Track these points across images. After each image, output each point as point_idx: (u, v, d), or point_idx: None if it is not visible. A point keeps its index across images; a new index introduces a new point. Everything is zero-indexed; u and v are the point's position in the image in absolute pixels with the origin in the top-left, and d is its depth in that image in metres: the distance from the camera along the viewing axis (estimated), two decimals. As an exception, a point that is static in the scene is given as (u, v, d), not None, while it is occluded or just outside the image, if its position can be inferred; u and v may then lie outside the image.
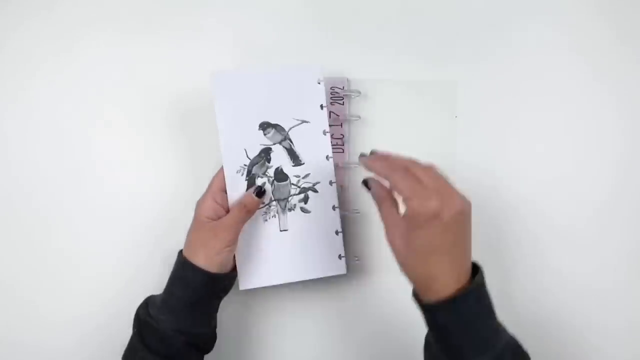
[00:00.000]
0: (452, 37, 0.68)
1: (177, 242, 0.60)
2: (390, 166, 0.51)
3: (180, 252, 0.59)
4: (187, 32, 0.68)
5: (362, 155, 0.55)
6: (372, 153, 0.55)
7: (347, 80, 0.66)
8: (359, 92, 0.66)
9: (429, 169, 0.50)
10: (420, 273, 0.49)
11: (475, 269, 0.50)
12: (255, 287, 0.63)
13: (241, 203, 0.60)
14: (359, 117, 0.66)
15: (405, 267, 0.50)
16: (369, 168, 0.53)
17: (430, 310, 0.48)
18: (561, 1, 0.68)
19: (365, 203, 0.66)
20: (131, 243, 0.68)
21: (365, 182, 0.55)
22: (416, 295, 0.50)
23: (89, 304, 0.68)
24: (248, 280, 0.63)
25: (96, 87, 0.69)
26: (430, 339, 0.51)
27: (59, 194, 0.68)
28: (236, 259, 0.62)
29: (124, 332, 0.58)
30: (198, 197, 0.61)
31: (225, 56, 0.68)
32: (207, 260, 0.57)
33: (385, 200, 0.52)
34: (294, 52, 0.68)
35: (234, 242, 0.58)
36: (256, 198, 0.60)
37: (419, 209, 0.47)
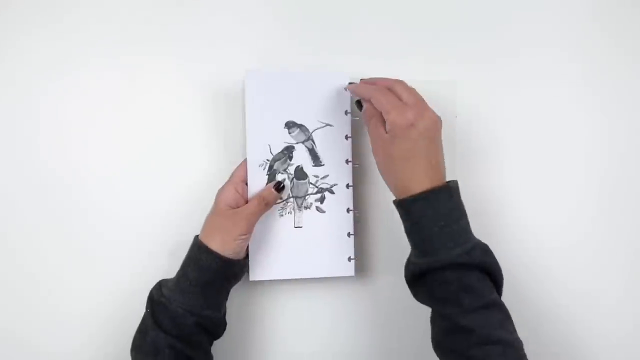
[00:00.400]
0: (452, 37, 0.70)
1: (186, 234, 0.62)
2: (373, 88, 0.59)
3: (196, 236, 0.61)
4: (196, 32, 0.67)
5: (350, 84, 0.63)
6: (361, 80, 0.63)
7: (349, 79, 0.66)
8: None
9: (409, 88, 0.58)
10: (399, 176, 0.56)
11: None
12: (265, 279, 0.65)
13: (261, 195, 0.62)
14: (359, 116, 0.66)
15: (387, 173, 0.58)
16: (355, 93, 0.62)
17: (407, 203, 0.55)
18: (560, 1, 0.70)
19: (366, 203, 0.68)
20: (142, 235, 0.68)
21: (359, 102, 0.62)
22: (396, 201, 0.57)
23: (100, 293, 0.68)
24: (259, 272, 0.65)
25: (115, 81, 0.67)
26: (412, 256, 0.57)
27: (74, 186, 0.67)
28: (249, 250, 0.64)
29: (134, 320, 0.60)
30: (209, 192, 0.63)
31: (229, 56, 0.67)
32: (222, 245, 0.59)
33: (372, 117, 0.58)
34: (296, 52, 0.68)
35: (250, 231, 0.60)
36: (275, 192, 0.63)
37: (397, 119, 0.54)
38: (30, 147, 0.66)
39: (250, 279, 0.64)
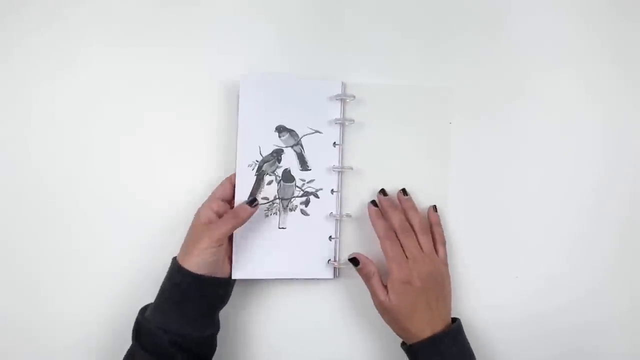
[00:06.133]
0: (448, 43, 0.71)
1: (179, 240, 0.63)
2: (384, 231, 0.64)
3: (174, 258, 0.62)
4: (195, 34, 0.69)
5: (372, 204, 0.67)
6: (381, 192, 0.68)
7: (343, 83, 0.68)
8: (354, 96, 0.68)
9: (411, 239, 0.64)
10: (402, 327, 0.61)
11: (453, 320, 0.64)
12: (247, 278, 0.66)
13: (234, 211, 0.62)
14: (353, 120, 0.68)
15: (390, 323, 0.63)
16: (372, 223, 0.66)
17: (414, 350, 0.61)
18: (559, 5, 0.72)
19: (357, 207, 0.69)
20: (138, 249, 0.68)
21: (353, 259, 0.65)
22: (403, 344, 0.63)
23: (94, 304, 0.68)
24: (241, 270, 0.65)
25: (112, 87, 0.68)
26: None
27: (72, 194, 0.68)
28: (233, 248, 0.65)
29: (127, 333, 0.61)
30: (207, 193, 0.65)
31: (225, 60, 0.69)
32: (196, 259, 0.59)
33: (373, 275, 0.63)
34: (290, 55, 0.69)
35: (221, 242, 0.60)
36: (250, 208, 0.62)
37: (395, 274, 0.61)
38: (28, 146, 0.67)
39: (232, 277, 0.65)
